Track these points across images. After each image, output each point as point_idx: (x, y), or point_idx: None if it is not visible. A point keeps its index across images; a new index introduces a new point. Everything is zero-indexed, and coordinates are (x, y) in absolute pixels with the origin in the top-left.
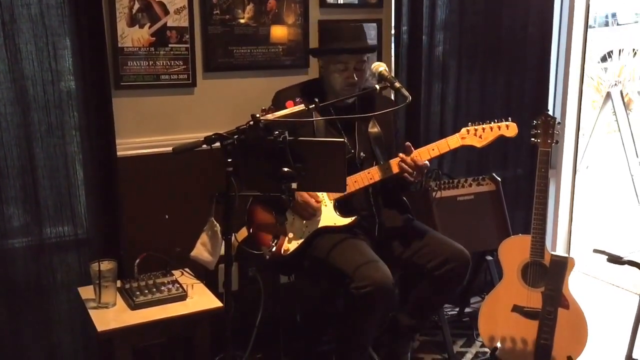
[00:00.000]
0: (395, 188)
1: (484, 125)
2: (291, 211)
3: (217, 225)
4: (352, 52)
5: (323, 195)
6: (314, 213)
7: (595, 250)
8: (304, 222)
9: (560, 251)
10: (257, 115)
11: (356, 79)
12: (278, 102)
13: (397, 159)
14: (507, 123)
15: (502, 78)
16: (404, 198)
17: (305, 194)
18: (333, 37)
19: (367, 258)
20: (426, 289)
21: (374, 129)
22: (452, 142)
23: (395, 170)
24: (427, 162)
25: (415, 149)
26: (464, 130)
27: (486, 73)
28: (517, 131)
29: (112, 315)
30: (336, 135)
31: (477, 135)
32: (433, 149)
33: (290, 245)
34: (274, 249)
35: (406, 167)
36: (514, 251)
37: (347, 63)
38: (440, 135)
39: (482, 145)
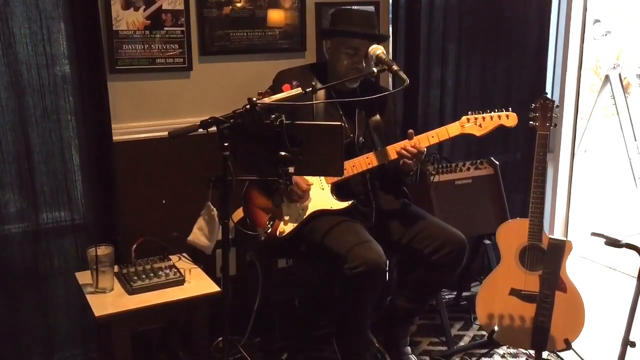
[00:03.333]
0: (393, 177)
1: (484, 114)
2: (282, 195)
3: (214, 209)
4: (369, 38)
5: (320, 179)
6: (301, 196)
7: (593, 234)
8: (301, 205)
9: (558, 234)
10: (254, 99)
11: (364, 65)
12: (280, 81)
13: (396, 145)
14: (507, 113)
15: (502, 61)
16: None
17: (295, 177)
18: (347, 20)
19: (360, 239)
20: (423, 274)
21: (374, 116)
22: (452, 130)
23: (393, 156)
24: (424, 148)
25: (415, 136)
26: (464, 118)
27: (486, 56)
28: (517, 121)
29: (109, 300)
30: (336, 119)
31: (477, 123)
32: (432, 136)
33: (286, 227)
34: (269, 231)
35: (405, 152)
36: (511, 235)
37: (358, 49)
38: (439, 120)
39: (481, 134)
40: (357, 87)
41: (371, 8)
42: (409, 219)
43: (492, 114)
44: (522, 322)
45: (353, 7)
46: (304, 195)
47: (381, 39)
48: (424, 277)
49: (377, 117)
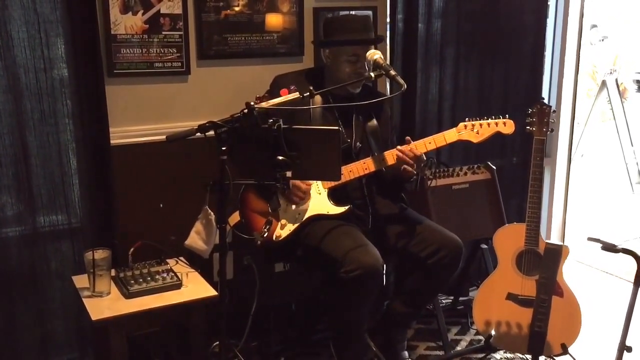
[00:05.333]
0: (392, 184)
1: (481, 121)
2: (282, 197)
3: (212, 213)
4: (368, 44)
5: (317, 184)
6: (303, 197)
7: (590, 239)
8: (297, 209)
9: (554, 239)
10: (252, 103)
11: (366, 69)
12: (276, 86)
13: (393, 151)
14: (504, 120)
15: (499, 66)
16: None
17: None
18: (343, 28)
19: (357, 243)
20: (420, 278)
21: (371, 121)
22: (449, 136)
23: (391, 161)
24: (421, 153)
25: (413, 142)
26: (461, 125)
27: (483, 61)
28: (514, 128)
29: (106, 304)
30: (333, 124)
31: (474, 130)
32: (430, 142)
33: (283, 231)
34: (265, 235)
35: (403, 155)
36: (508, 239)
37: (359, 55)
38: (437, 125)
39: (478, 141)
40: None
41: (369, 13)
42: (405, 223)
43: (490, 120)
44: (519, 326)
45: (350, 12)
46: (305, 196)
47: (379, 41)
48: (421, 281)
49: (374, 122)
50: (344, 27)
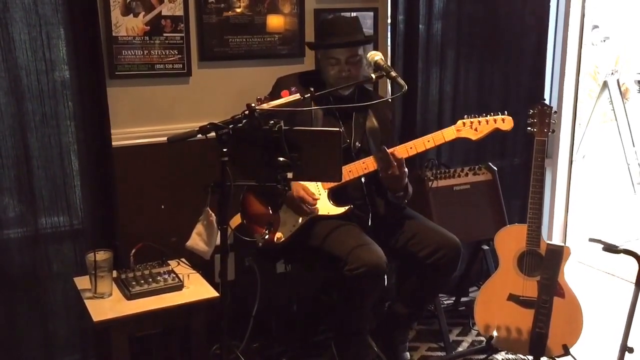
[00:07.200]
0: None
1: (479, 118)
2: (286, 205)
3: (213, 215)
4: (340, 47)
5: (317, 185)
6: (309, 212)
7: (591, 239)
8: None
9: (556, 240)
10: (253, 105)
11: (350, 72)
12: (279, 87)
13: (392, 150)
14: (502, 116)
15: (500, 67)
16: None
17: (302, 191)
18: (326, 31)
19: (360, 242)
20: (419, 278)
21: (370, 122)
22: (448, 134)
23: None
24: (402, 158)
25: (407, 142)
26: (459, 122)
27: (484, 62)
28: (512, 125)
29: (108, 305)
30: (334, 125)
31: (472, 127)
32: (428, 141)
33: (284, 233)
34: (266, 237)
35: (381, 160)
36: (510, 240)
37: (338, 58)
38: (438, 125)
39: (477, 138)
40: (355, 92)
41: (370, 14)
42: (404, 223)
43: (488, 117)
44: (520, 328)
45: (341, 14)
46: (313, 210)
47: (360, 44)
48: (420, 281)
49: (374, 122)
50: (326, 31)
